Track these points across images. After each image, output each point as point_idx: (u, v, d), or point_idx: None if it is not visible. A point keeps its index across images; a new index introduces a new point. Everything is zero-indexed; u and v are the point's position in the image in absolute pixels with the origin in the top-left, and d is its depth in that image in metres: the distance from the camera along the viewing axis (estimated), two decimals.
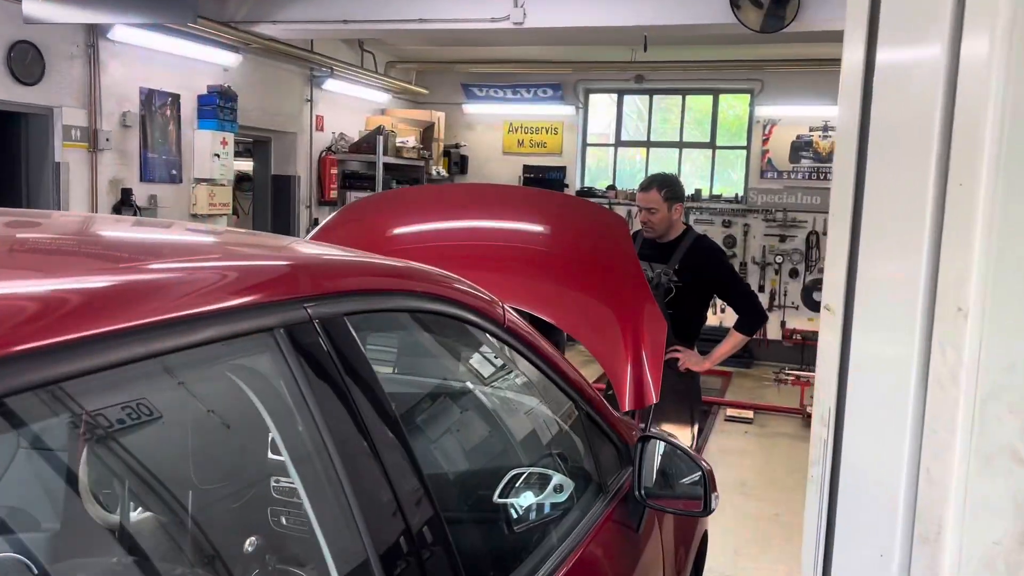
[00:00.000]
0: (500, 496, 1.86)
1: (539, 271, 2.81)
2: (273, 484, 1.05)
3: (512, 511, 1.89)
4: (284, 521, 1.07)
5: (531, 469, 1.98)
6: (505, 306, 1.73)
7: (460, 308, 1.56)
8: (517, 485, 1.92)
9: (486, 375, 2.04)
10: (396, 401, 2.11)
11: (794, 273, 9.27)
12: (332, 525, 1.07)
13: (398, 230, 3.01)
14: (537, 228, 2.95)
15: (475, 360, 2.03)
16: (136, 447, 0.93)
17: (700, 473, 1.96)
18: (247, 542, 1.07)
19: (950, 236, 0.90)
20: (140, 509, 0.96)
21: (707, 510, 1.95)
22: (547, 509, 1.93)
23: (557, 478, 1.98)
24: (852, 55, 1.04)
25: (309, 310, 1.14)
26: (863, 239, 1.09)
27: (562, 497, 1.97)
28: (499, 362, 1.98)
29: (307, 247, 1.56)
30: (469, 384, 2.06)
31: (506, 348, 1.80)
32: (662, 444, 2.02)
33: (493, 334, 1.68)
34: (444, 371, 2.13)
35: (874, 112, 1.01)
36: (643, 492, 1.99)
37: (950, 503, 0.87)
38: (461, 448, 1.96)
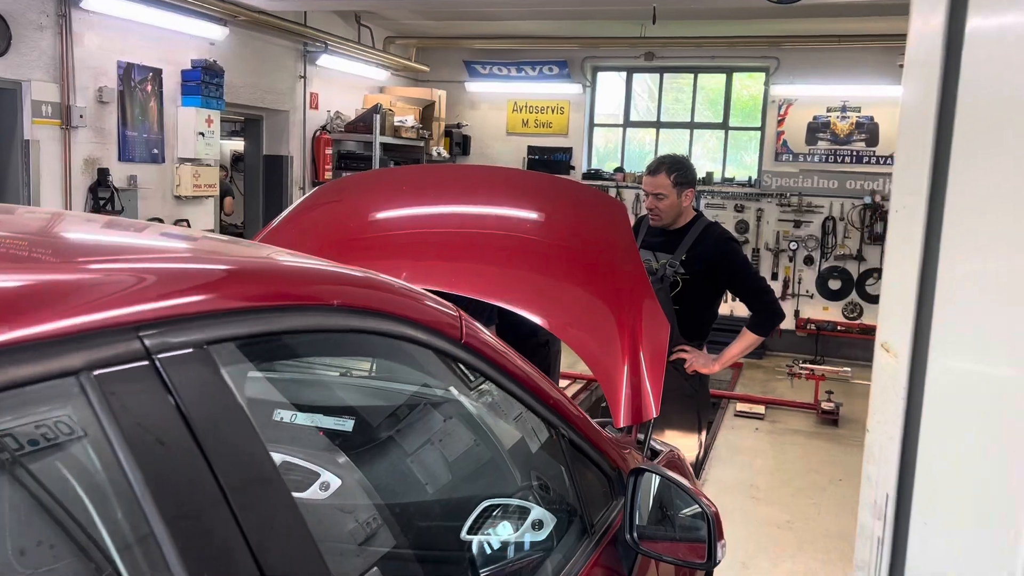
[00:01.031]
0: (468, 533, 1.57)
1: (523, 263, 2.46)
2: None
3: (485, 548, 1.59)
4: None
5: (506, 501, 1.68)
6: (464, 318, 1.39)
7: (400, 323, 1.22)
8: (492, 517, 1.63)
9: (444, 399, 1.70)
10: (349, 422, 1.81)
11: (809, 260, 8.94)
12: None
13: (367, 217, 2.67)
14: (522, 214, 2.60)
15: (427, 383, 1.69)
16: None
17: (704, 515, 1.63)
18: None
19: None
20: None
21: (712, 561, 1.62)
22: (526, 547, 1.64)
23: (536, 512, 1.67)
24: (926, 23, 0.89)
25: (146, 340, 0.80)
26: (946, 240, 0.76)
27: (541, 536, 1.66)
28: (458, 385, 1.65)
29: (168, 243, 1.21)
30: (423, 411, 1.73)
31: (467, 368, 1.46)
32: (658, 479, 1.69)
33: (448, 353, 1.35)
34: (390, 397, 1.80)
35: (963, 88, 0.85)
36: (635, 536, 1.66)
37: None
38: (414, 488, 1.63)
